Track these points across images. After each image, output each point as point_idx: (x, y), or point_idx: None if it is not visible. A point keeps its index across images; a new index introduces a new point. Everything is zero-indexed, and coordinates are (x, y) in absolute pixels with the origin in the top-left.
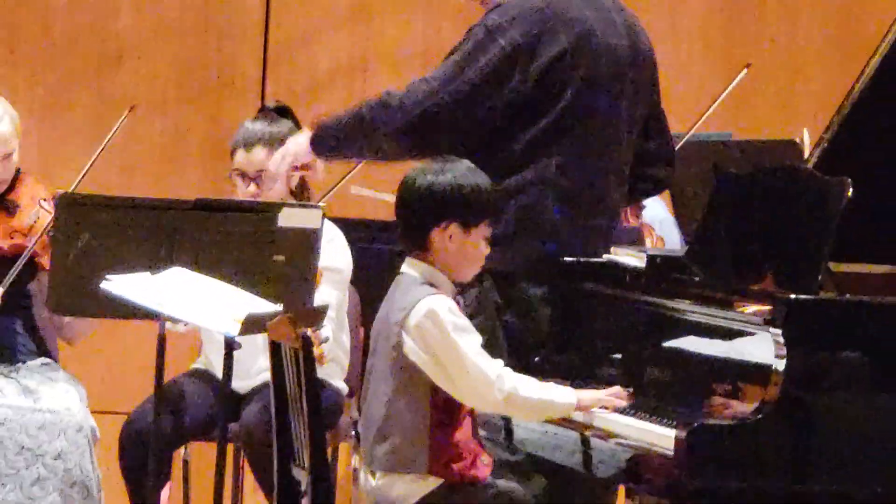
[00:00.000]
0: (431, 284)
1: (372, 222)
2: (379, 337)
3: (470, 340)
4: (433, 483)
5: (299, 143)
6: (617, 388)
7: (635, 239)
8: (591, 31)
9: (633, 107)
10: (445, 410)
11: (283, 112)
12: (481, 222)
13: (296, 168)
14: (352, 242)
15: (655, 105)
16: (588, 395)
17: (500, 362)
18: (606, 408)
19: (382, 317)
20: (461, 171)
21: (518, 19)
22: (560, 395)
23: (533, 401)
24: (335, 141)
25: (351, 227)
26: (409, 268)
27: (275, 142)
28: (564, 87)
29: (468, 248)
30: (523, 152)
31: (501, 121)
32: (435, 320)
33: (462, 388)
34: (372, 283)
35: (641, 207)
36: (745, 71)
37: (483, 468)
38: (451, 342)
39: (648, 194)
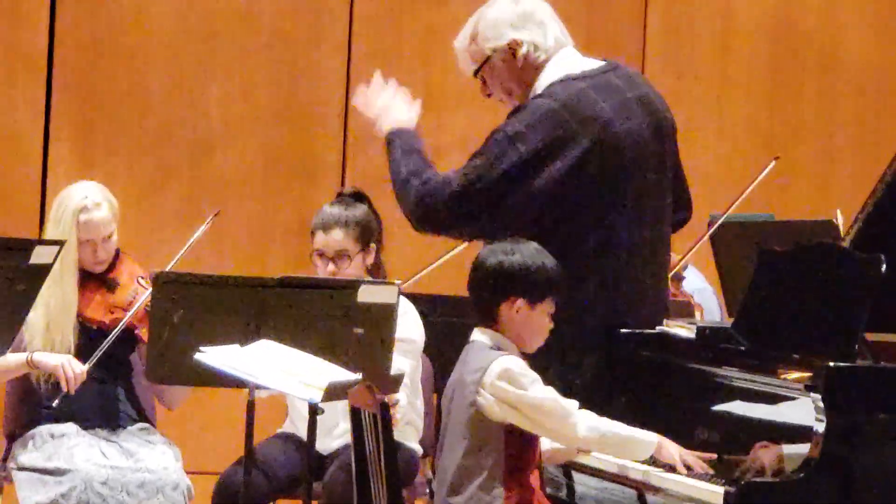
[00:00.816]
0: (500, 349)
1: (442, 297)
2: (454, 397)
3: (544, 388)
4: None
5: (387, 117)
6: (699, 455)
7: (686, 312)
8: (608, 123)
9: (660, 176)
10: (518, 458)
11: (359, 197)
12: (546, 298)
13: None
14: (424, 315)
15: (676, 159)
16: (669, 444)
17: (576, 403)
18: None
19: (455, 378)
20: (528, 252)
21: (536, 126)
22: (641, 433)
23: (616, 435)
24: (393, 157)
25: (423, 302)
26: (480, 335)
27: (350, 224)
28: (591, 181)
29: (533, 321)
30: (560, 241)
31: (530, 214)
32: (509, 376)
33: (547, 429)
34: (443, 352)
35: (681, 279)
36: (773, 163)
37: None
38: (528, 392)
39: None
